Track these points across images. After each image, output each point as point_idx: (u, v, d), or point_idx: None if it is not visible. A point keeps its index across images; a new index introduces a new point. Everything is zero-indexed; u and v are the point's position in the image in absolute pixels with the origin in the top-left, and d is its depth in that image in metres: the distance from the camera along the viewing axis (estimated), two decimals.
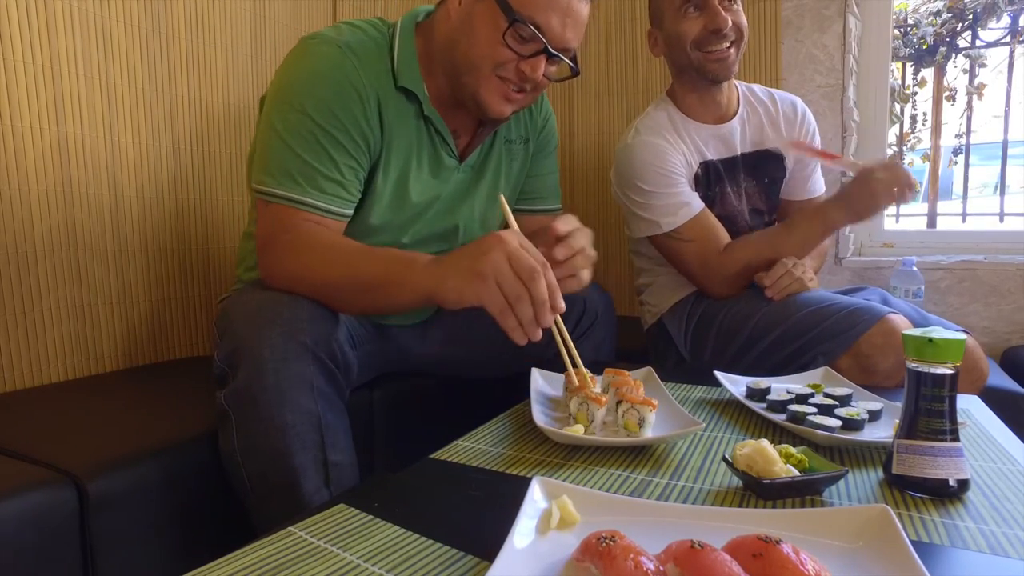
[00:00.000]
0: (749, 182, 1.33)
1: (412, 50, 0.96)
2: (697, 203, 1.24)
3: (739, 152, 1.31)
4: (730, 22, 1.18)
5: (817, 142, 1.37)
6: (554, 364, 0.86)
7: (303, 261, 0.84)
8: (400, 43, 0.95)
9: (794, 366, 1.07)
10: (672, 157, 1.24)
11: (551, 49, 0.91)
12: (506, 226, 0.82)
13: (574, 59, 0.96)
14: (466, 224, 1.07)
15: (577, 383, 0.77)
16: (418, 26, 0.99)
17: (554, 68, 0.96)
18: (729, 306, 1.23)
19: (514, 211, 1.18)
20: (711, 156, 1.29)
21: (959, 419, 0.59)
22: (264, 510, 0.79)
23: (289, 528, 0.52)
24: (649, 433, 0.71)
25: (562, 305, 0.72)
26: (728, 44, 1.20)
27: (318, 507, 0.56)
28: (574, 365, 0.79)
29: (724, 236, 1.25)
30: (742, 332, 1.19)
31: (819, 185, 1.41)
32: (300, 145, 0.87)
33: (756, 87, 1.37)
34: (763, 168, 1.33)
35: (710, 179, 1.29)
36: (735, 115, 1.31)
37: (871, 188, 1.13)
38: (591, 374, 0.80)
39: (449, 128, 1.00)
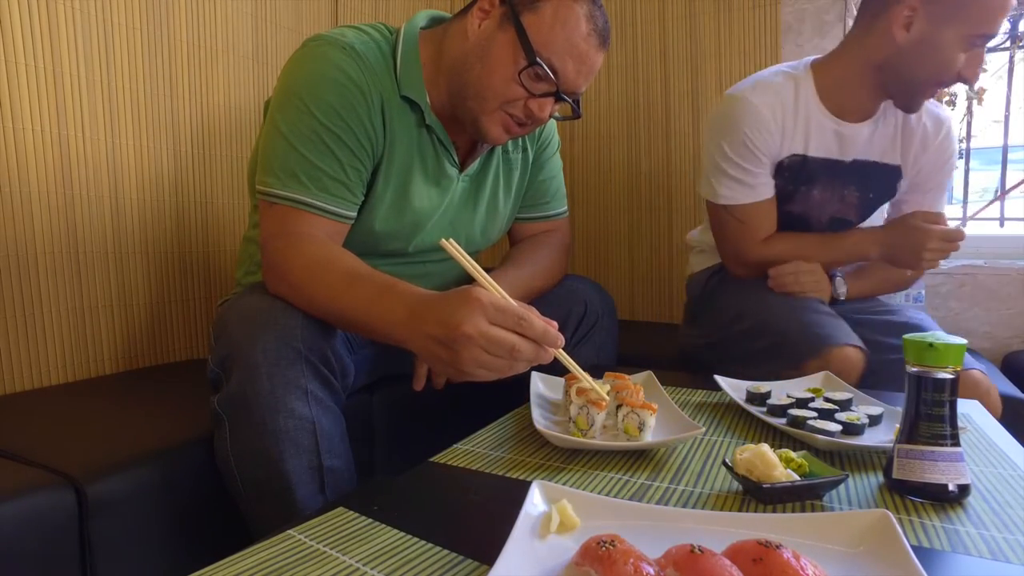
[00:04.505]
0: (850, 189, 1.23)
1: (416, 58, 0.95)
2: (764, 191, 1.18)
3: (850, 158, 1.21)
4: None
5: (952, 165, 1.26)
6: (554, 368, 0.86)
7: (297, 276, 0.83)
8: (403, 51, 0.94)
9: (764, 369, 1.06)
10: (768, 135, 1.16)
11: (562, 93, 0.91)
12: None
13: (577, 102, 0.96)
14: (468, 236, 1.07)
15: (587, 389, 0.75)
16: (422, 32, 0.98)
17: (557, 107, 0.97)
18: (732, 288, 1.25)
19: (519, 219, 1.18)
20: (813, 152, 1.19)
21: (959, 424, 0.59)
22: (258, 515, 0.78)
23: (288, 531, 0.52)
24: (649, 437, 0.71)
25: (557, 340, 0.68)
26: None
27: (317, 510, 0.56)
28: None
29: (770, 229, 1.22)
30: (728, 311, 1.22)
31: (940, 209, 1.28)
32: (305, 145, 0.87)
33: None
34: (873, 181, 1.23)
35: (797, 175, 1.20)
36: (869, 119, 1.19)
37: (918, 249, 1.11)
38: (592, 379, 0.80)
39: (450, 138, 1.00)
